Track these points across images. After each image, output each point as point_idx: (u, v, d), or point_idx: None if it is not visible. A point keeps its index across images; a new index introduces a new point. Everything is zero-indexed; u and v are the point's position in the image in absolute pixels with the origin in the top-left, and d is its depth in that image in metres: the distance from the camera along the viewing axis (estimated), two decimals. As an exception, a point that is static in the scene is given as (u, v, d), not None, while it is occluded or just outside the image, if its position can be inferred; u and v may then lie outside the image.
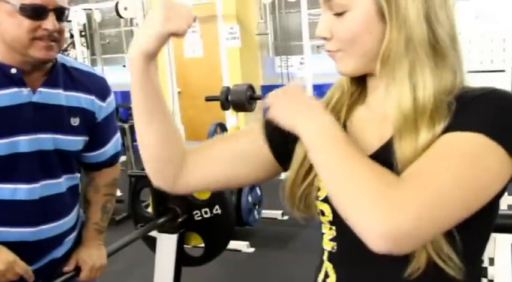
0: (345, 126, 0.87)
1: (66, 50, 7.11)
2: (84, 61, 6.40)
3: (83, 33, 6.76)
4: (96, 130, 1.56)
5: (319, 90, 6.93)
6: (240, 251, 3.87)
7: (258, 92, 4.85)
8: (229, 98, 3.43)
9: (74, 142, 1.51)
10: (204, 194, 2.35)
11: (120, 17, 5.76)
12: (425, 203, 0.67)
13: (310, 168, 0.86)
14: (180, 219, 2.36)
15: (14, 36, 1.33)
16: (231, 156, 0.95)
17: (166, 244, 2.38)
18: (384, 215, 0.67)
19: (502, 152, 0.71)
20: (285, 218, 4.49)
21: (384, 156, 0.78)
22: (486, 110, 0.74)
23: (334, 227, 0.87)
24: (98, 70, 1.46)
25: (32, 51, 1.34)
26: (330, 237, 0.89)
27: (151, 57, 0.85)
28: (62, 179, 1.50)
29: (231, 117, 5.28)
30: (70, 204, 1.56)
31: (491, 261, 2.27)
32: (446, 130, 0.74)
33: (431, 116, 0.76)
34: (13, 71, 1.37)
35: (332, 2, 0.80)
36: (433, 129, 0.75)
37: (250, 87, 3.41)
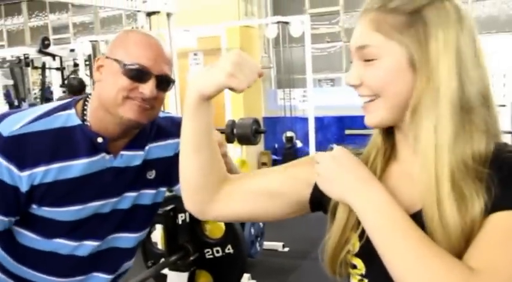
0: None
1: (68, 78, 7.22)
2: (88, 88, 6.50)
3: (87, 63, 6.86)
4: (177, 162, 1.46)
5: (321, 122, 6.96)
6: (241, 283, 3.82)
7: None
8: (235, 131, 3.45)
9: (150, 196, 1.45)
10: (217, 232, 2.35)
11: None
12: None
13: (351, 229, 0.85)
14: (191, 258, 2.33)
15: (109, 94, 1.25)
16: (266, 194, 0.95)
17: (177, 282, 2.35)
18: None
19: None
20: (286, 249, 4.44)
21: (418, 222, 0.77)
22: None
23: (366, 280, 0.86)
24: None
25: (122, 111, 1.25)
26: None
27: (206, 98, 0.90)
28: (126, 236, 1.45)
29: (234, 149, 5.30)
30: (121, 261, 1.51)
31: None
32: (494, 205, 0.72)
33: (458, 185, 0.74)
34: (99, 140, 1.30)
35: (364, 50, 0.81)
36: (466, 204, 0.73)
37: (256, 121, 3.42)
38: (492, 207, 0.72)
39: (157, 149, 1.42)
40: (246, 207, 0.97)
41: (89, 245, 1.38)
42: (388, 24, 0.79)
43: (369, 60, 0.81)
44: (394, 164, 0.88)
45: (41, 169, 1.25)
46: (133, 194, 1.40)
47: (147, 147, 1.40)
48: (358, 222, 0.82)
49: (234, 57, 0.87)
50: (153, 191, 1.45)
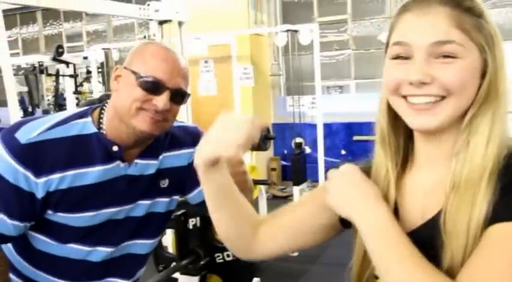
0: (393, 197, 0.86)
1: (81, 84, 7.30)
2: (99, 95, 6.57)
3: (100, 70, 6.95)
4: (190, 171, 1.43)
5: (329, 128, 6.98)
6: (250, 287, 3.85)
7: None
8: (245, 137, 3.44)
9: (164, 204, 1.47)
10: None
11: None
12: None
13: None
14: (202, 262, 2.38)
15: (124, 104, 1.28)
16: (302, 228, 0.99)
17: (188, 286, 2.36)
18: None
19: None
20: (295, 254, 4.28)
21: (429, 231, 0.78)
22: None
23: None
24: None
25: (135, 122, 1.27)
26: None
27: (211, 165, 0.92)
28: (141, 242, 1.48)
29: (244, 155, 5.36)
30: (136, 267, 1.53)
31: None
32: (495, 214, 0.72)
33: (490, 186, 0.74)
34: (115, 148, 1.32)
35: (445, 45, 0.76)
36: (485, 200, 0.73)
37: (266, 128, 3.44)
38: (491, 218, 0.72)
39: (171, 158, 1.44)
40: (287, 243, 1.02)
41: (102, 251, 1.40)
42: (467, 23, 0.76)
43: (448, 57, 0.76)
44: (408, 177, 0.88)
45: (56, 176, 1.27)
46: (147, 202, 1.42)
47: (161, 157, 1.42)
48: None
49: (215, 128, 0.89)
50: (167, 199, 1.47)
